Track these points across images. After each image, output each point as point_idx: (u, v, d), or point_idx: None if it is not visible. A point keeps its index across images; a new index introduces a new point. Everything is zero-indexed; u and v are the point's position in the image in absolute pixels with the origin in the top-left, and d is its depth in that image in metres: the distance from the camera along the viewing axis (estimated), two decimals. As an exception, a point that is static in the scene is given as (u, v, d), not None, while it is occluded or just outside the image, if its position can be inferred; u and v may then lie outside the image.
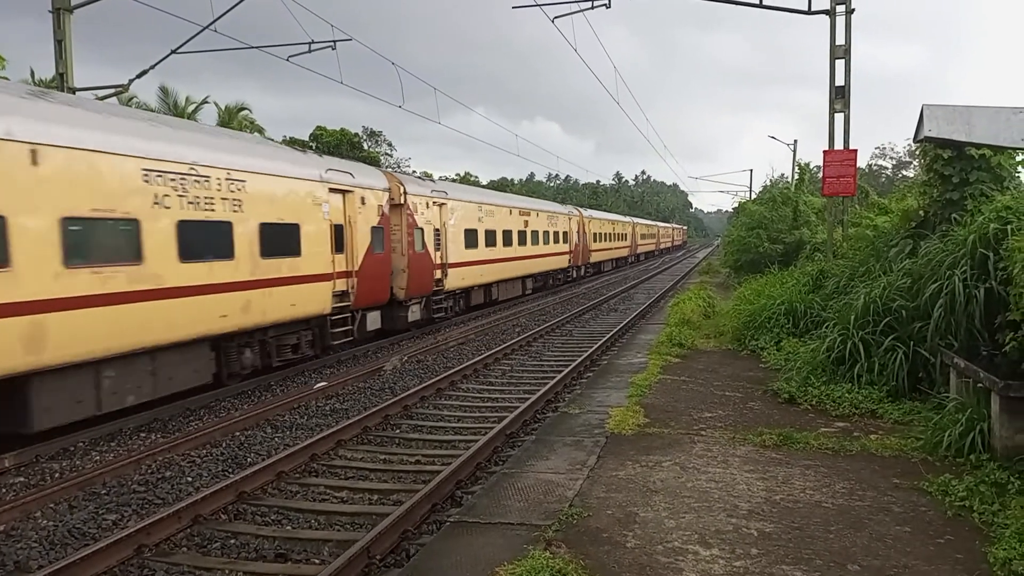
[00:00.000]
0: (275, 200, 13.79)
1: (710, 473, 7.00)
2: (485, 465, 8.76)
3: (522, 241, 29.83)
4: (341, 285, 16.01)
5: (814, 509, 6.06)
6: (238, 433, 10.57)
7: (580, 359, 14.89)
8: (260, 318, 13.37)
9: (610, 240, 52.17)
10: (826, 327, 11.30)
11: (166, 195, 11.19)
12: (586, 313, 25.04)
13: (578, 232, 40.97)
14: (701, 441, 8.13)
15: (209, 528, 7.16)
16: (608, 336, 18.13)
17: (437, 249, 21.44)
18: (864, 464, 7.24)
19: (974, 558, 5.09)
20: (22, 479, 8.78)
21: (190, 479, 8.65)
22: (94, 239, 10.14)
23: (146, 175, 10.84)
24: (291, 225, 14.16)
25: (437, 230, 21.48)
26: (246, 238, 12.91)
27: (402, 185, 19.40)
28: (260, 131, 41.69)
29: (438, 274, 21.61)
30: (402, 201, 19.14)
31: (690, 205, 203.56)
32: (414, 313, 20.06)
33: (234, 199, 12.66)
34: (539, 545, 5.37)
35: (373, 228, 17.41)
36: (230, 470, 8.94)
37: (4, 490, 8.40)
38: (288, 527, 7.26)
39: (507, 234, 27.86)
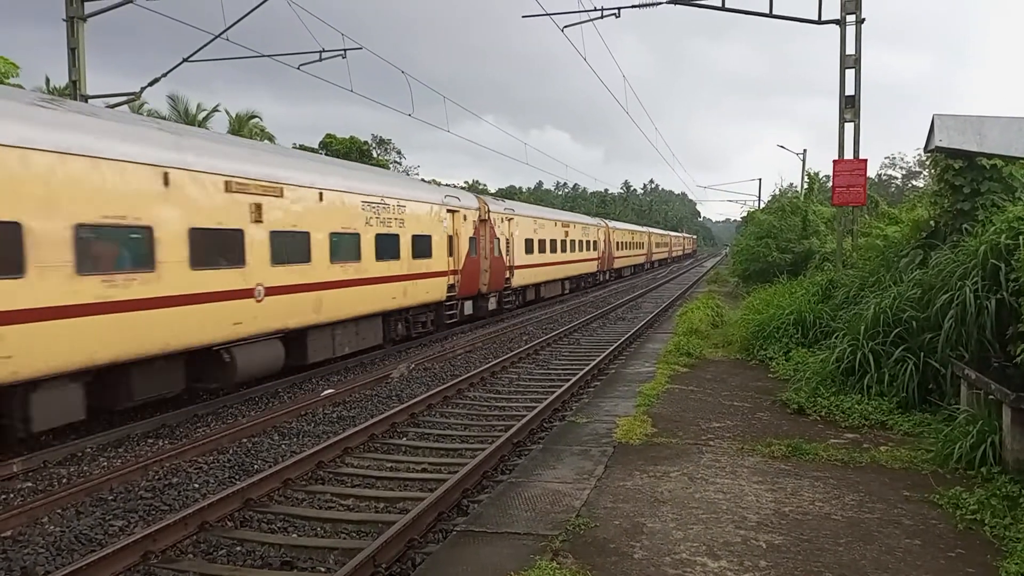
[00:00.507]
0: (420, 219, 19.35)
1: (718, 484, 6.96)
2: (492, 474, 8.73)
3: (564, 249, 35.61)
4: (452, 280, 21.40)
5: (823, 521, 6.01)
6: (245, 440, 10.58)
7: (588, 368, 14.85)
8: (410, 301, 18.94)
9: (630, 248, 57.04)
10: (835, 337, 11.25)
11: (369, 217, 16.77)
12: (594, 322, 25.00)
13: (604, 241, 45.93)
14: (709, 451, 8.08)
15: (215, 535, 7.16)
16: (616, 345, 18.07)
17: (507, 254, 27.16)
18: (874, 476, 7.18)
19: (986, 572, 5.04)
20: (30, 484, 8.80)
21: (197, 486, 8.65)
22: (341, 246, 15.73)
23: (363, 204, 16.56)
24: (427, 236, 19.66)
25: (508, 240, 27.11)
26: (407, 245, 18.47)
27: (485, 204, 25.14)
28: (270, 138, 41.91)
29: (508, 274, 27.20)
30: (486, 217, 24.76)
31: (698, 214, 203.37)
32: (492, 304, 25.60)
33: (400, 218, 18.22)
34: (546, 555, 5.35)
35: (470, 238, 23.00)
36: (237, 477, 8.94)
37: (12, 495, 8.42)
38: (294, 535, 7.24)
39: (553, 243, 33.70)
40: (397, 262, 18.04)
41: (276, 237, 13.38)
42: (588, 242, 41.04)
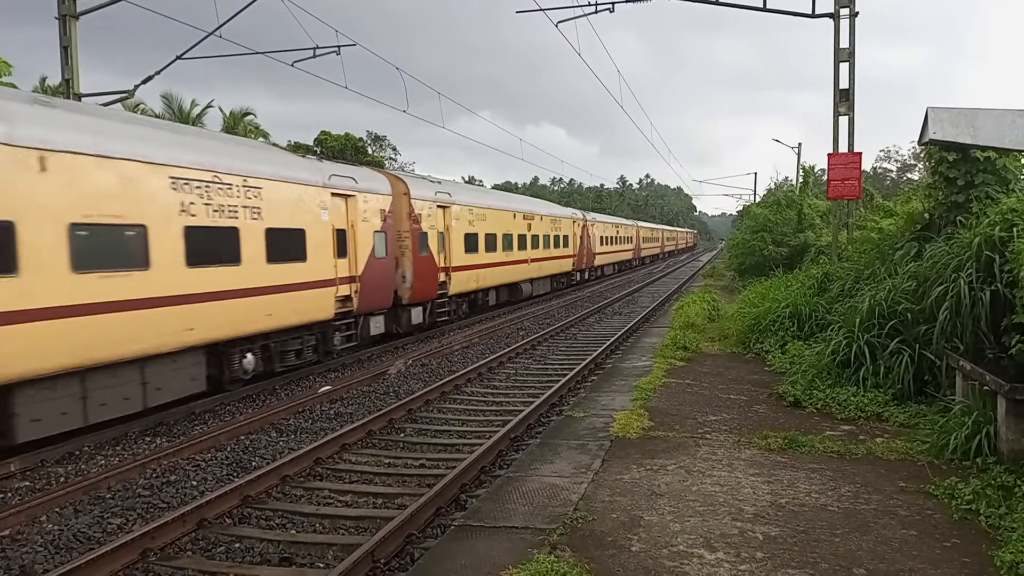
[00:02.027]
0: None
1: (715, 477, 6.99)
2: (490, 469, 8.76)
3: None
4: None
5: (819, 512, 6.04)
6: (243, 437, 10.58)
7: (584, 363, 14.88)
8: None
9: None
10: (831, 330, 11.27)
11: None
12: (590, 316, 25.03)
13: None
14: (706, 444, 8.11)
15: (214, 532, 7.17)
16: (612, 340, 18.11)
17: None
18: (870, 467, 7.22)
19: (981, 561, 5.07)
20: (27, 483, 8.80)
21: (195, 483, 8.66)
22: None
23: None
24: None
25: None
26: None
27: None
28: (265, 136, 41.80)
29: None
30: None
31: (694, 208, 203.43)
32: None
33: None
34: (544, 549, 5.37)
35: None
36: (235, 474, 8.95)
37: (10, 495, 8.42)
38: (292, 531, 7.26)
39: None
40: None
41: (534, 237, 17.15)
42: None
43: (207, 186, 11.88)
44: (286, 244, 13.89)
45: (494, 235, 26.21)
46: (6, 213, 8.70)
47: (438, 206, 21.54)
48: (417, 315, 20.21)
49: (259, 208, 13.14)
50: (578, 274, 40.62)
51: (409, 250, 19.35)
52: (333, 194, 15.74)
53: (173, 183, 11.21)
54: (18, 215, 8.81)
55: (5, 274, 8.68)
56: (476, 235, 24.52)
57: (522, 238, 29.46)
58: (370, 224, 17.31)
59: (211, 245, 11.93)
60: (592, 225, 44.27)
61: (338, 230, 15.84)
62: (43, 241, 9.13)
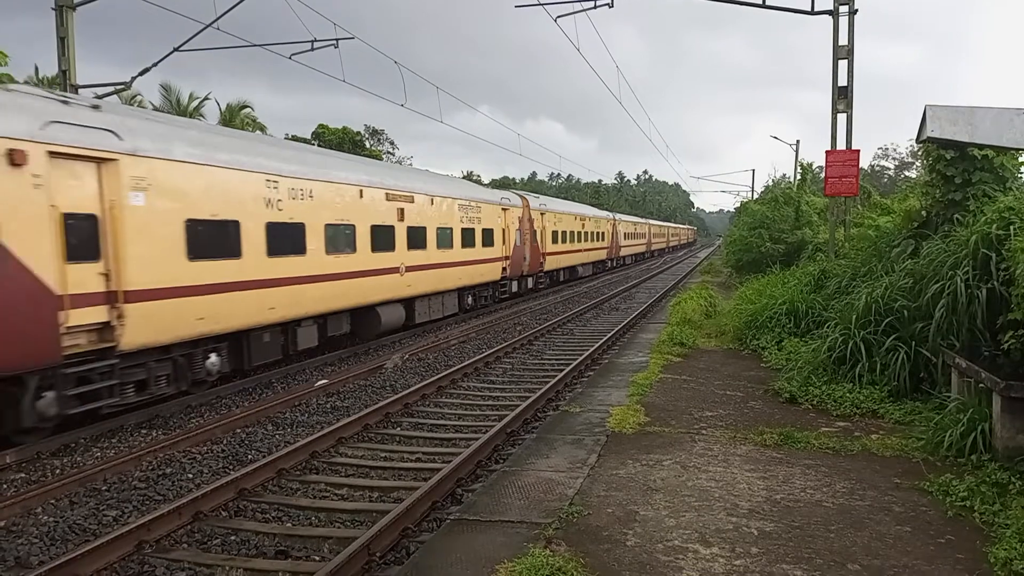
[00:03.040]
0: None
1: (711, 472, 7.00)
2: (485, 463, 8.77)
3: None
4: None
5: (815, 508, 6.05)
6: (239, 430, 10.58)
7: (581, 358, 14.89)
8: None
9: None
10: (827, 327, 11.30)
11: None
12: (587, 312, 25.04)
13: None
14: (702, 440, 8.12)
15: (210, 525, 7.17)
16: (609, 335, 18.12)
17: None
18: (865, 464, 7.23)
19: (975, 558, 5.09)
20: (23, 475, 8.79)
21: (191, 476, 8.66)
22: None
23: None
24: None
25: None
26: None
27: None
28: (262, 129, 41.70)
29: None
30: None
31: (692, 205, 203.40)
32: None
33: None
34: (539, 543, 5.37)
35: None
36: (231, 467, 8.95)
37: (5, 486, 8.42)
38: (288, 524, 7.26)
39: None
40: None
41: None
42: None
43: (466, 206, 23.47)
44: (486, 237, 25.03)
45: (567, 231, 37.84)
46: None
47: (540, 213, 32.65)
48: (530, 282, 31.42)
49: (479, 217, 24.56)
50: (610, 262, 51.94)
51: (528, 241, 30.32)
52: (503, 208, 27.36)
53: (459, 206, 22.97)
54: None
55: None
56: (558, 232, 35.94)
57: (580, 234, 40.97)
58: (515, 225, 28.63)
59: (466, 237, 22.92)
60: (619, 224, 54.88)
61: (502, 229, 26.95)
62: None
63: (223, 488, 7.72)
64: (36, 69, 33.48)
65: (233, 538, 6.89)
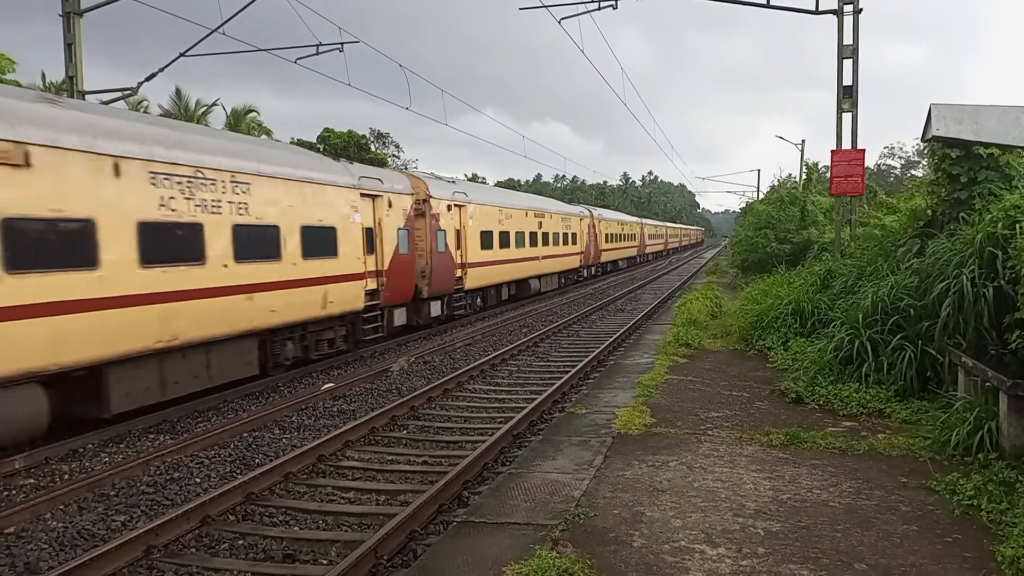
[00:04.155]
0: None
1: (717, 473, 7.00)
2: (492, 465, 8.78)
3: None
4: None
5: (821, 508, 6.05)
6: (246, 434, 10.61)
7: (587, 359, 14.88)
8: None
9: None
10: (833, 327, 11.29)
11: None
12: (593, 313, 25.03)
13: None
14: (708, 441, 8.12)
15: (217, 529, 7.20)
16: (615, 336, 18.11)
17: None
18: (871, 463, 7.22)
19: (982, 557, 5.08)
20: (32, 481, 8.84)
21: (198, 480, 8.69)
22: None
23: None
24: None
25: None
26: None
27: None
28: (268, 133, 41.84)
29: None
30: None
31: (697, 205, 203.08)
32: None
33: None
34: (545, 545, 5.38)
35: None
36: (238, 471, 8.98)
37: (14, 492, 8.46)
38: (296, 528, 7.28)
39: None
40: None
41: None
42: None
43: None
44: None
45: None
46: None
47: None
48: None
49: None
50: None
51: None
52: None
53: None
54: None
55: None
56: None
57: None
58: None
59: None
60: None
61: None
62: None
63: (231, 492, 7.75)
64: (43, 76, 33.65)
65: (241, 542, 6.91)
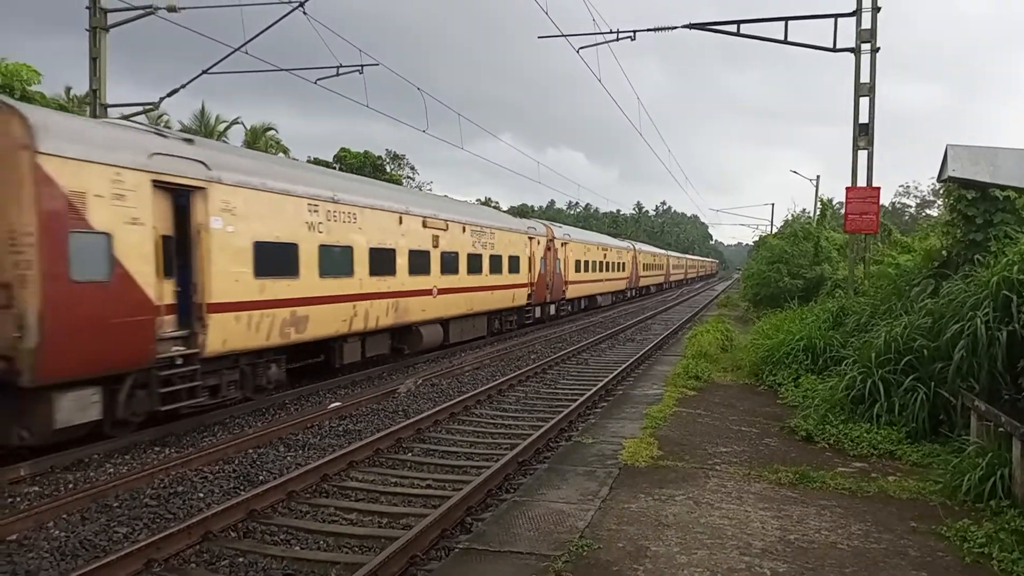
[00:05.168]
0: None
1: (724, 509, 6.92)
2: (496, 492, 8.71)
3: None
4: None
5: (829, 550, 5.96)
6: (251, 450, 10.59)
7: (595, 388, 14.81)
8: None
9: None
10: (845, 365, 11.19)
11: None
12: (603, 342, 24.96)
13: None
14: (715, 476, 8.04)
15: (218, 545, 7.16)
16: (624, 366, 18.03)
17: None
18: (881, 506, 7.12)
19: (993, 607, 4.98)
20: (36, 488, 8.84)
21: (202, 495, 8.66)
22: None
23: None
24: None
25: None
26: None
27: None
28: (285, 151, 42.25)
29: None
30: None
31: (710, 237, 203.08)
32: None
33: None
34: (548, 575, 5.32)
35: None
36: (241, 487, 8.95)
37: (18, 499, 8.47)
38: (297, 547, 7.23)
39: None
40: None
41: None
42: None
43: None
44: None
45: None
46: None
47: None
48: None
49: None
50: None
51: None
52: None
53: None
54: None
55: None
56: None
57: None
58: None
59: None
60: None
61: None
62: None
63: (233, 508, 7.72)
64: (67, 89, 34.15)
65: (241, 560, 6.87)
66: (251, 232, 12.61)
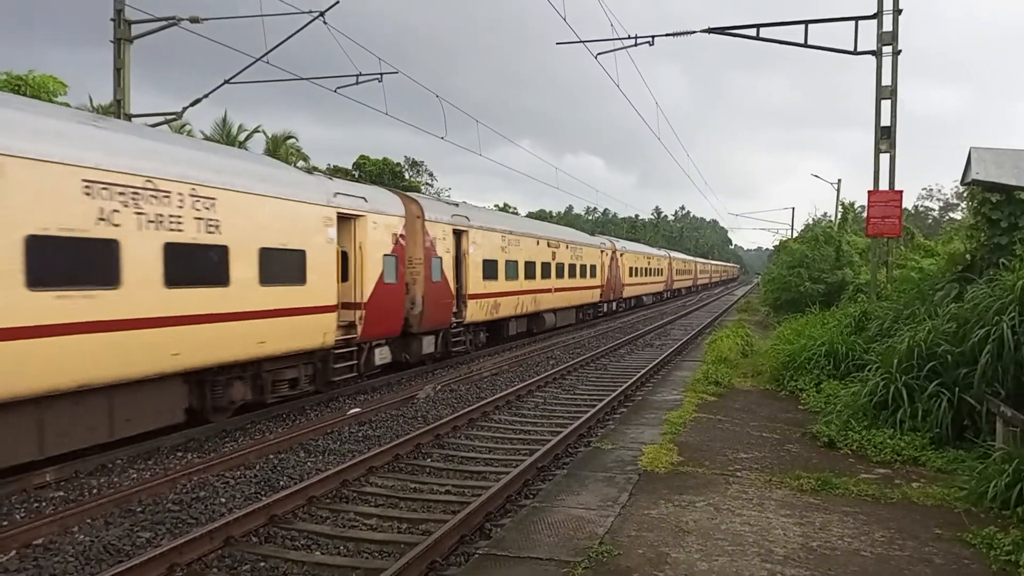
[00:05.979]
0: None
1: (745, 516, 6.86)
2: (515, 498, 8.70)
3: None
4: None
5: (852, 557, 5.89)
6: (272, 456, 10.67)
7: (614, 394, 14.77)
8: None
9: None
10: (868, 370, 11.07)
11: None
12: (622, 348, 24.88)
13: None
14: (736, 482, 7.98)
15: (240, 550, 7.21)
16: (643, 372, 17.95)
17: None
18: (905, 513, 7.04)
19: (1020, 616, 4.90)
20: (61, 493, 8.96)
21: (223, 500, 8.73)
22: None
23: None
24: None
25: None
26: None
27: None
28: (305, 159, 42.60)
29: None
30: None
31: (730, 242, 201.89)
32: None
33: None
34: (567, 582, 5.31)
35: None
36: (263, 493, 9.01)
37: (44, 504, 8.58)
38: (317, 552, 7.27)
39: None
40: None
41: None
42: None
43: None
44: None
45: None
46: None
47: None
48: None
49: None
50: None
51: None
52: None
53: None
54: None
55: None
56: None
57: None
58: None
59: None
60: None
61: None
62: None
63: (255, 514, 7.78)
64: (90, 99, 34.68)
65: (262, 564, 6.92)
66: (481, 254, 22.30)
